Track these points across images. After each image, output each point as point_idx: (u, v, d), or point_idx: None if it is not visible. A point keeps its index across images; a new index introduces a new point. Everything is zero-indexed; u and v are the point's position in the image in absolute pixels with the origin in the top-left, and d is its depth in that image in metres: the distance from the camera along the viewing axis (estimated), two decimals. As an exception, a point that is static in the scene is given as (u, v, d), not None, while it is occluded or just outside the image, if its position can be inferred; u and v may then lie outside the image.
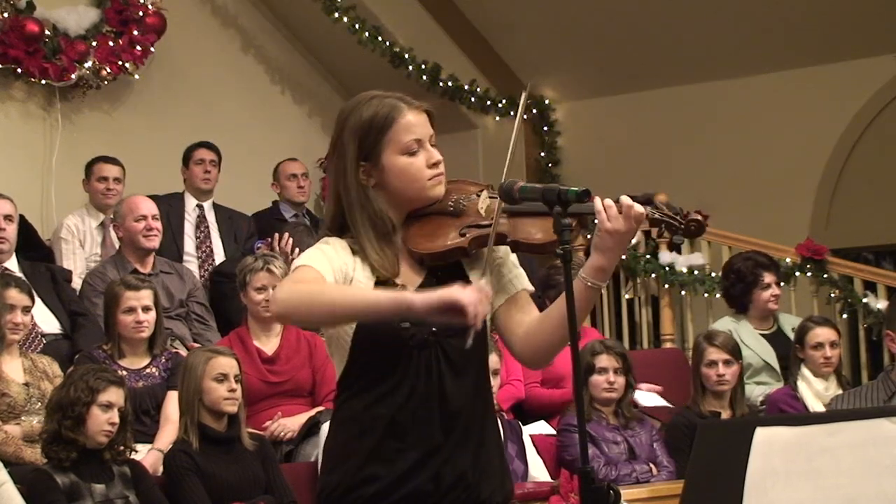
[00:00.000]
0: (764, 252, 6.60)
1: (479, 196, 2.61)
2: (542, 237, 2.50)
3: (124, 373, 4.83)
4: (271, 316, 2.51)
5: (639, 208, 2.45)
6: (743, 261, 6.34)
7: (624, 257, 7.36)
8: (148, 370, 5.05)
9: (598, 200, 2.47)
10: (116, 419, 4.24)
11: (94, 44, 7.37)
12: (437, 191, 2.58)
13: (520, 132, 2.60)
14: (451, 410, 2.50)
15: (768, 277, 6.19)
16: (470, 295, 2.24)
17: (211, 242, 6.99)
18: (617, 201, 2.47)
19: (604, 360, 5.33)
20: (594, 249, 2.49)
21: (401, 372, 2.49)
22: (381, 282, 2.53)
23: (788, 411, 5.39)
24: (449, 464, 2.49)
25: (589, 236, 8.17)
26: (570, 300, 2.39)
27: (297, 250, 6.08)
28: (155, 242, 6.02)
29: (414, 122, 2.56)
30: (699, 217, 2.50)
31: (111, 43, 7.42)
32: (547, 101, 9.29)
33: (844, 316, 7.26)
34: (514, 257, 2.67)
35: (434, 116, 2.63)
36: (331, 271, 2.49)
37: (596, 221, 2.50)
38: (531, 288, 2.69)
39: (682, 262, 7.58)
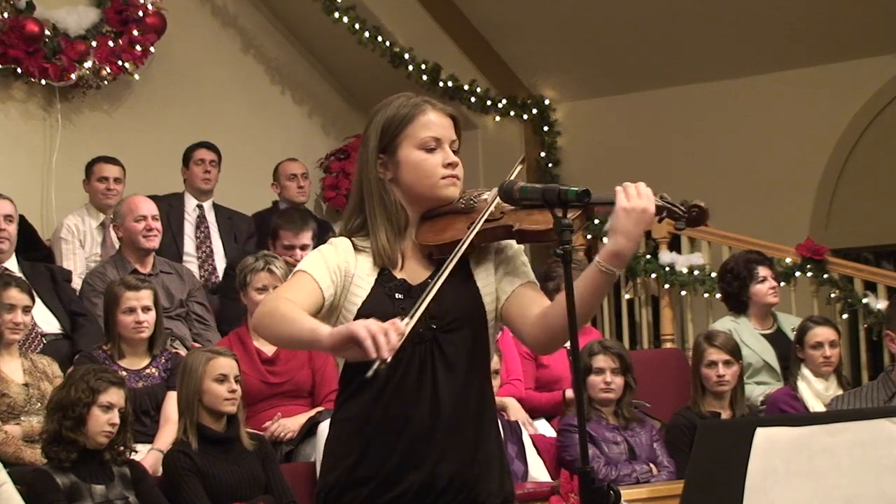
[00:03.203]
0: (757, 249, 6.63)
1: (488, 195, 2.63)
2: (546, 224, 2.49)
3: (124, 373, 4.83)
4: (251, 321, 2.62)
5: (649, 194, 2.47)
6: (735, 259, 6.39)
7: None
8: (148, 370, 5.05)
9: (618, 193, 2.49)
10: (117, 420, 4.25)
11: (94, 44, 7.37)
12: (449, 191, 2.61)
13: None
14: (444, 408, 2.51)
15: (763, 271, 6.21)
16: (368, 328, 2.25)
17: (211, 242, 6.99)
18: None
19: (601, 361, 5.32)
20: (610, 233, 2.48)
21: (394, 367, 2.48)
22: (383, 271, 2.57)
23: (788, 411, 5.38)
24: (443, 463, 2.50)
25: (589, 237, 8.21)
26: (571, 299, 2.39)
27: None
28: (155, 243, 6.01)
29: (435, 121, 2.62)
30: (701, 204, 2.52)
31: (111, 43, 7.42)
32: (547, 101, 9.29)
33: (844, 316, 7.25)
34: (525, 257, 2.68)
35: (459, 124, 2.67)
36: (326, 272, 2.55)
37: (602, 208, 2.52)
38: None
39: (682, 262, 7.57)
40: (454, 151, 2.64)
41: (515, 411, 5.53)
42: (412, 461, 2.49)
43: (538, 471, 5.16)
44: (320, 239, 7.14)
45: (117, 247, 6.21)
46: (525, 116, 9.22)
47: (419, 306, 2.40)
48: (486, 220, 2.56)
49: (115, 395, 4.26)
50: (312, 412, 5.15)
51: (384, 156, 2.61)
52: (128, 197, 6.20)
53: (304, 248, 6.11)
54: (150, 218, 5.98)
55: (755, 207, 8.42)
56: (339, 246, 2.61)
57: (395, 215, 2.60)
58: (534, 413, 5.76)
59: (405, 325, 2.31)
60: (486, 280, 2.62)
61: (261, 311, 2.50)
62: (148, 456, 4.71)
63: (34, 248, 6.09)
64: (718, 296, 6.64)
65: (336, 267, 2.57)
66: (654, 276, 7.63)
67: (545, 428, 5.70)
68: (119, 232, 6.05)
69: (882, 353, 6.69)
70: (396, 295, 2.56)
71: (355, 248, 2.61)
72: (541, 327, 2.58)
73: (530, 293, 2.63)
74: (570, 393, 5.68)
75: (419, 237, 2.61)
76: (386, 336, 2.25)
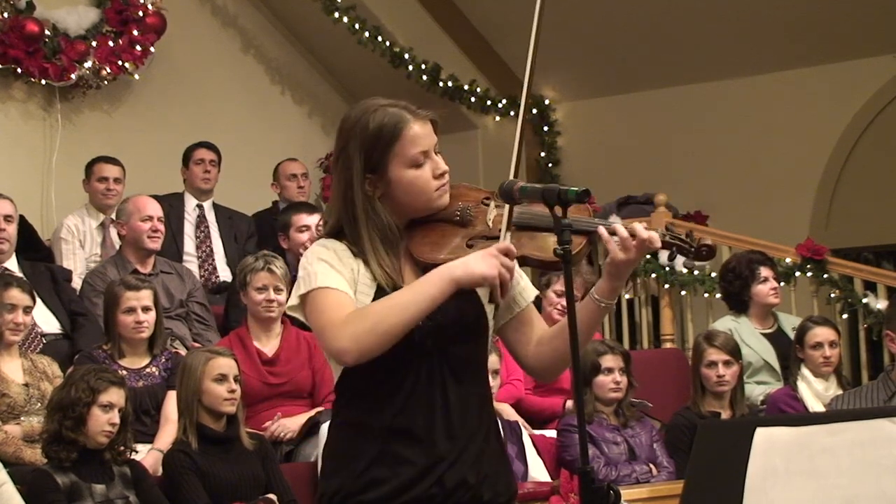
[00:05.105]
0: (758, 250, 6.63)
1: (486, 205, 2.59)
2: (551, 255, 2.46)
3: (124, 373, 4.83)
4: (348, 360, 2.47)
5: (655, 239, 2.50)
6: (738, 259, 6.38)
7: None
8: (148, 370, 5.05)
9: (604, 231, 2.50)
10: (117, 419, 4.24)
11: (94, 44, 7.38)
12: (442, 200, 2.57)
13: (522, 133, 2.69)
14: (455, 417, 2.50)
15: (765, 272, 6.21)
16: (500, 270, 2.41)
17: (211, 242, 6.99)
18: (630, 230, 2.51)
19: (609, 360, 5.32)
20: (606, 275, 2.53)
21: (402, 377, 2.48)
22: (381, 288, 2.51)
23: (788, 411, 5.38)
24: (452, 470, 2.49)
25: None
26: (570, 298, 2.39)
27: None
28: (158, 244, 6.02)
29: (420, 133, 2.53)
30: (710, 242, 2.57)
31: (111, 43, 7.43)
32: (547, 101, 9.29)
33: (844, 316, 7.24)
34: (521, 270, 2.66)
35: (438, 124, 2.60)
36: (343, 280, 2.48)
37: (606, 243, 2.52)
38: (535, 293, 2.70)
39: (682, 261, 7.57)
40: (436, 153, 2.58)
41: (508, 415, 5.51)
42: (423, 469, 2.47)
43: (538, 471, 5.16)
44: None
45: (117, 247, 6.21)
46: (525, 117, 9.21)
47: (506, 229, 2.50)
48: (487, 238, 2.54)
49: (115, 395, 4.26)
50: (312, 412, 5.15)
51: (372, 175, 2.52)
52: (134, 196, 6.18)
53: (319, 227, 6.17)
54: (156, 219, 5.98)
55: (755, 207, 8.42)
56: (339, 252, 2.52)
57: (389, 233, 2.53)
58: (533, 417, 5.76)
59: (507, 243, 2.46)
60: (485, 291, 2.60)
61: (355, 333, 2.39)
62: (148, 456, 4.70)
63: (34, 248, 6.09)
64: (718, 296, 6.64)
65: (350, 276, 2.49)
66: (654, 275, 7.63)
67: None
68: (122, 230, 6.03)
69: (882, 353, 6.68)
70: None
71: (352, 252, 2.53)
72: (544, 357, 2.61)
73: (530, 320, 2.65)
74: (570, 404, 5.67)
75: (415, 251, 2.56)
76: (505, 269, 2.42)
